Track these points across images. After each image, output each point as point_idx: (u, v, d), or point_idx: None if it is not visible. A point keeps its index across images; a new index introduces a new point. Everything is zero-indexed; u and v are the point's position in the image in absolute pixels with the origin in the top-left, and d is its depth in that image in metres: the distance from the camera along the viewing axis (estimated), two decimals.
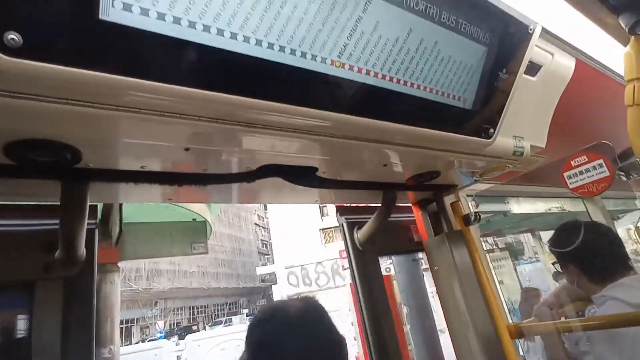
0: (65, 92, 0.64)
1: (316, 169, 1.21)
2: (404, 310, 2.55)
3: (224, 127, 0.82)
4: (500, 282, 3.51)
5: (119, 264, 3.78)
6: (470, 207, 1.85)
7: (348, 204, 1.86)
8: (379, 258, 1.80)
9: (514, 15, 1.14)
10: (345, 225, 1.76)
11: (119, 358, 2.92)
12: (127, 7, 0.61)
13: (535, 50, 1.32)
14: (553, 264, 2.10)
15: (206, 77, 0.71)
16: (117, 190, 1.08)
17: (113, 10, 0.61)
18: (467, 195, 2.01)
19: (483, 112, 1.21)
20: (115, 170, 0.96)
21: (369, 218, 1.65)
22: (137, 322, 34.59)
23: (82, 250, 1.05)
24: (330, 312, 1.16)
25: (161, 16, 0.64)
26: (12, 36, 0.54)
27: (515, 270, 3.94)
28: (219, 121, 0.80)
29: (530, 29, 1.19)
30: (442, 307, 1.76)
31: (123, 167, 0.96)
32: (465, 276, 1.69)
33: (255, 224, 60.04)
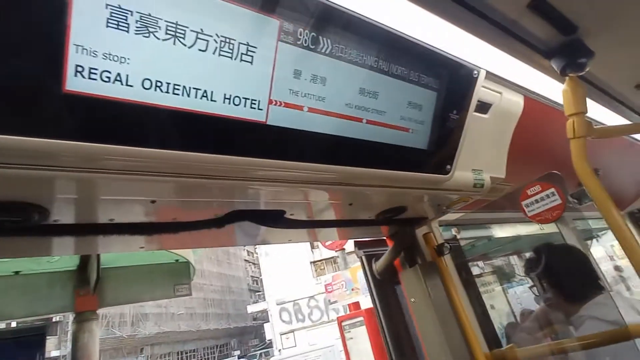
0: (30, 159, 0.69)
1: (284, 212, 1.26)
2: None
3: (188, 180, 0.87)
4: (491, 307, 3.52)
5: (99, 312, 3.67)
6: (442, 238, 1.91)
7: (362, 239, 2.01)
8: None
9: (459, 62, 1.26)
10: (364, 258, 1.94)
11: None
12: (92, 77, 0.67)
13: (484, 90, 1.43)
14: (530, 287, 2.16)
15: (169, 137, 0.77)
16: (88, 242, 1.11)
17: (77, 80, 0.66)
18: (440, 225, 2.08)
19: (438, 151, 1.29)
20: (84, 224, 0.99)
21: (383, 250, 1.80)
22: None
23: None
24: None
25: (124, 81, 0.71)
26: None
27: (505, 293, 3.96)
28: (182, 176, 0.85)
29: (475, 73, 1.30)
30: (420, 338, 1.78)
31: (92, 221, 0.99)
32: (441, 307, 1.72)
33: (245, 260, 58.83)
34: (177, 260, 4.09)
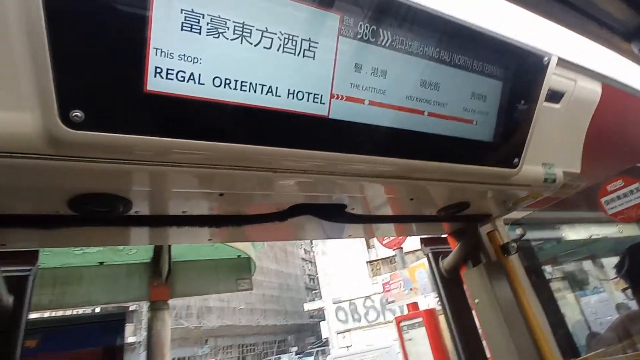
0: (120, 155, 0.77)
1: (345, 206, 1.27)
2: None
3: (254, 173, 0.92)
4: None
5: (170, 302, 3.97)
6: (509, 237, 1.80)
7: (427, 236, 1.98)
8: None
9: (527, 49, 1.18)
10: (430, 255, 1.90)
11: None
12: (169, 77, 0.74)
13: (556, 78, 1.33)
14: (624, 290, 1.97)
15: (237, 131, 0.82)
16: (163, 233, 1.21)
17: (156, 81, 0.73)
18: (505, 224, 1.96)
19: (505, 143, 1.23)
20: (161, 216, 1.09)
21: (450, 248, 1.78)
22: None
23: (7, 299, 1.07)
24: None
25: (197, 80, 0.76)
26: (76, 113, 0.68)
27: (578, 301, 3.64)
28: (248, 169, 0.90)
29: (546, 60, 1.22)
30: (486, 341, 1.69)
31: (167, 213, 1.08)
32: (507, 309, 1.62)
33: (302, 258, 59.96)
34: (239, 256, 4.31)
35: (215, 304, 38.21)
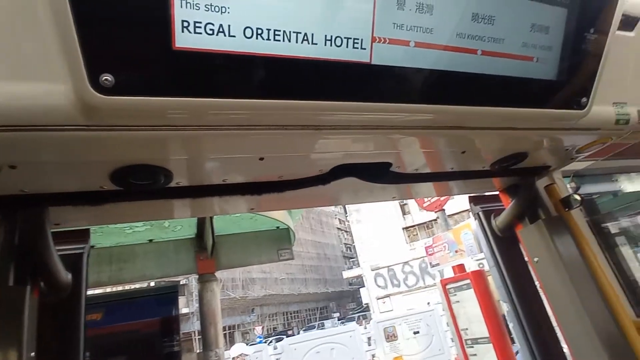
0: (154, 120, 0.72)
1: (390, 164, 1.18)
2: (504, 308, 2.38)
3: (295, 132, 0.85)
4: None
5: (216, 274, 4.14)
6: (567, 190, 1.65)
7: (476, 194, 1.88)
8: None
9: None
10: (481, 214, 1.80)
11: None
12: (197, 31, 0.67)
13: (630, 1, 1.14)
14: None
15: (273, 86, 0.75)
16: (206, 204, 1.18)
17: (184, 36, 0.67)
18: (565, 177, 1.80)
19: (571, 81, 1.08)
20: (202, 186, 1.05)
21: (501, 205, 1.68)
22: (237, 328, 37.16)
23: (66, 276, 1.09)
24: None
25: (227, 32, 0.69)
26: (106, 77, 0.63)
27: (637, 257, 3.41)
28: (288, 127, 0.83)
29: None
30: (549, 303, 1.59)
31: (208, 183, 1.05)
32: (573, 267, 1.50)
33: (337, 228, 60.78)
34: (278, 227, 4.37)
35: (259, 275, 39.93)
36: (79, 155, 0.79)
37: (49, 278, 1.06)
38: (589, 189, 2.75)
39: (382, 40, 0.83)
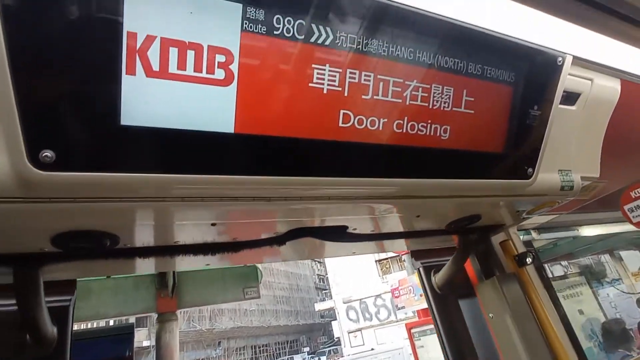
0: (97, 193, 0.70)
1: (346, 227, 1.19)
2: None
3: (244, 202, 0.85)
4: (580, 312, 3.14)
5: (177, 312, 3.93)
6: (522, 246, 1.70)
7: (421, 249, 1.83)
8: None
9: (538, 49, 1.09)
10: (421, 269, 1.75)
11: None
12: (144, 108, 0.67)
13: (571, 79, 1.23)
14: None
15: (219, 162, 0.75)
16: (157, 262, 1.14)
17: (131, 113, 0.66)
18: (519, 230, 1.87)
19: (517, 153, 1.14)
20: (153, 247, 1.02)
21: (446, 260, 1.62)
22: None
23: (51, 330, 1.05)
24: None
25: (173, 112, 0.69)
26: (47, 154, 0.61)
27: (596, 295, 3.53)
28: (238, 199, 0.83)
29: (559, 60, 1.12)
30: (501, 357, 1.60)
31: (159, 244, 1.02)
32: (524, 323, 1.53)
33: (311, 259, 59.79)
34: (244, 265, 4.24)
35: (227, 306, 38.32)
36: (16, 225, 0.76)
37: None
38: (546, 235, 2.85)
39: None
